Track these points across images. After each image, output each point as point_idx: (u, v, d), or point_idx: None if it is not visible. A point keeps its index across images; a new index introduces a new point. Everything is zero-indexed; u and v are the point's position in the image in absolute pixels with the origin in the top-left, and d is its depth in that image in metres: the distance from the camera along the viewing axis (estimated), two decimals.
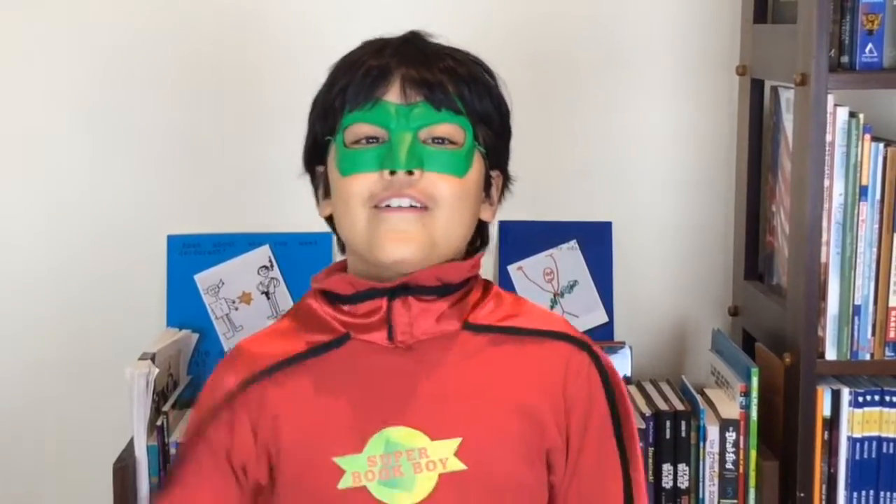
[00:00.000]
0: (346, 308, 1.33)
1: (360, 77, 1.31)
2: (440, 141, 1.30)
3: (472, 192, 1.32)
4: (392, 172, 1.27)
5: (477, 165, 1.33)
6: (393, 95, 1.30)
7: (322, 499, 1.29)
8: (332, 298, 1.34)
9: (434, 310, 1.31)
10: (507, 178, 1.41)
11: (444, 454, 1.29)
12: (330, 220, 1.38)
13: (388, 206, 1.28)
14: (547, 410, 1.33)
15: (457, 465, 1.29)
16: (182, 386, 1.96)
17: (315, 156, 1.38)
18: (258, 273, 2.10)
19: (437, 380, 1.31)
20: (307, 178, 1.42)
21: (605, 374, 1.37)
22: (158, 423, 1.80)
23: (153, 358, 1.83)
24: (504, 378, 1.33)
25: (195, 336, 2.06)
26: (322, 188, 1.38)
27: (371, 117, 1.29)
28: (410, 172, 1.27)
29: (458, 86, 1.31)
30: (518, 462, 1.32)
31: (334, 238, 1.42)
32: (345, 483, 1.28)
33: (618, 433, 1.37)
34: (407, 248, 1.28)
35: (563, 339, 1.36)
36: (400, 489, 1.28)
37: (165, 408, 1.83)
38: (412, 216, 1.28)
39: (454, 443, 1.29)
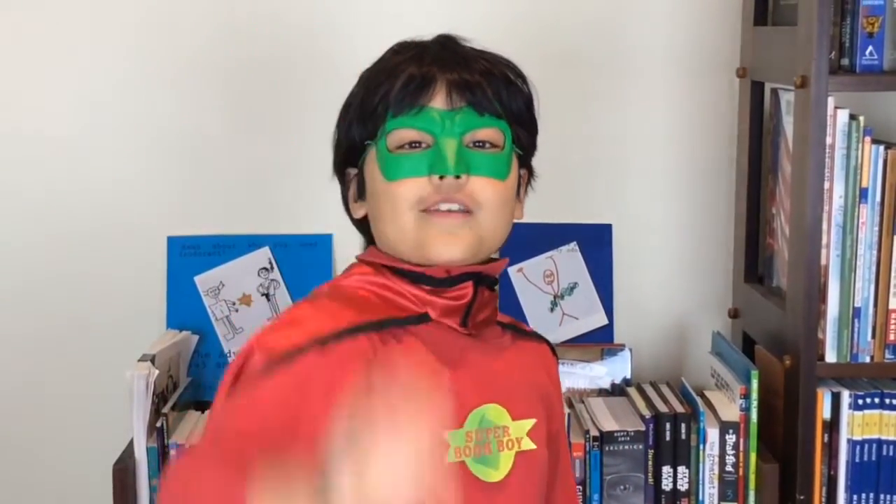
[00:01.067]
0: (428, 288, 1.32)
1: (402, 83, 1.32)
2: (481, 144, 1.33)
3: (511, 193, 1.36)
4: (441, 177, 1.29)
5: (514, 168, 1.36)
6: (438, 101, 1.31)
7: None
8: (412, 279, 1.32)
9: (492, 301, 1.37)
10: (531, 175, 1.44)
11: (520, 433, 1.34)
12: (359, 221, 1.40)
13: (437, 209, 1.30)
14: (552, 401, 1.43)
15: (529, 444, 1.34)
16: (182, 388, 1.96)
17: (348, 159, 1.39)
18: (258, 275, 2.10)
19: (504, 364, 1.37)
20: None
21: None
22: (158, 424, 1.80)
23: (153, 360, 1.83)
24: (530, 370, 1.41)
25: (195, 338, 2.06)
26: (355, 190, 1.39)
27: (416, 123, 1.31)
28: (458, 177, 1.29)
29: (496, 88, 1.34)
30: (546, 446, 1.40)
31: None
32: (449, 458, 1.29)
33: None
34: (457, 248, 1.30)
35: (541, 339, 1.47)
36: (488, 466, 1.31)
37: (165, 409, 1.83)
38: (460, 220, 1.31)
39: (529, 423, 1.34)
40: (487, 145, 1.33)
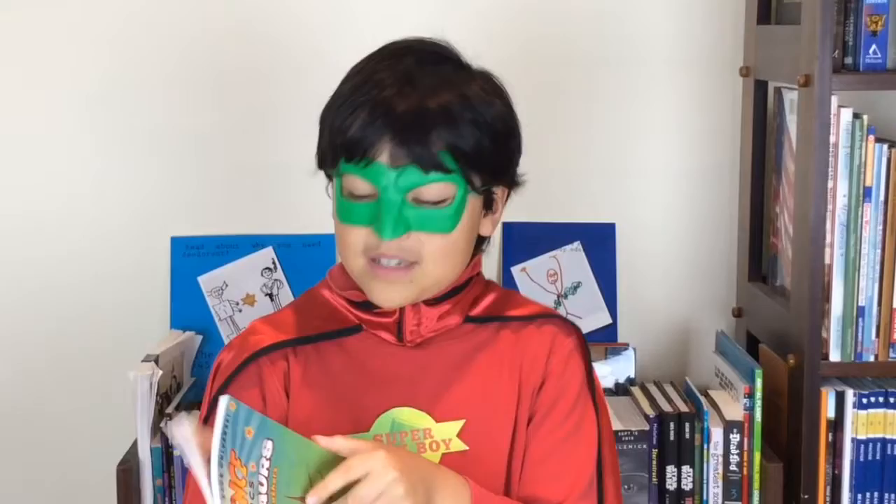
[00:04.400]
0: (359, 303, 1.39)
1: (354, 130, 1.31)
2: (429, 202, 1.32)
3: (461, 241, 1.35)
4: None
5: (469, 210, 1.34)
6: (384, 157, 1.30)
7: None
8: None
9: (439, 310, 1.38)
10: (511, 187, 1.42)
11: (447, 435, 1.35)
12: None
13: (379, 263, 1.33)
14: (531, 382, 1.40)
15: (459, 445, 1.35)
16: (185, 388, 1.96)
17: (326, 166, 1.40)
18: (262, 275, 2.10)
19: (442, 367, 1.38)
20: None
21: (588, 359, 1.43)
22: (162, 425, 1.80)
23: (157, 360, 1.83)
24: (503, 363, 1.40)
25: (199, 338, 2.06)
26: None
27: (364, 173, 1.31)
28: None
29: (447, 137, 1.30)
30: (514, 443, 1.38)
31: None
32: None
33: (597, 417, 1.42)
34: (398, 298, 1.35)
35: (552, 318, 1.43)
36: None
37: (169, 410, 1.83)
38: (401, 275, 1.33)
39: (457, 424, 1.35)
40: (434, 201, 1.32)
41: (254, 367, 1.36)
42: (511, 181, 1.41)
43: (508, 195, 1.42)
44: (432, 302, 1.37)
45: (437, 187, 1.31)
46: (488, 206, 1.38)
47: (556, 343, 1.41)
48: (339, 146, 1.33)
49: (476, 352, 1.39)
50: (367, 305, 1.38)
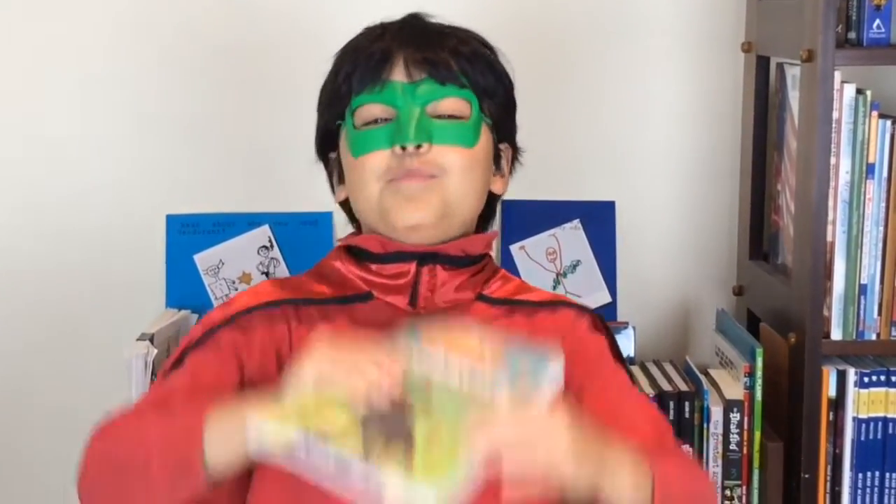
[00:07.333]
0: (373, 267, 1.36)
1: (363, 60, 1.34)
2: (447, 117, 1.33)
3: (481, 161, 1.35)
4: (402, 148, 1.30)
5: (485, 137, 1.36)
6: (398, 75, 1.32)
7: None
8: (360, 258, 1.37)
9: (455, 279, 1.36)
10: (515, 150, 1.44)
11: None
12: (344, 205, 1.42)
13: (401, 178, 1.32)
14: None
15: None
16: None
17: (327, 143, 1.41)
18: (258, 253, 2.09)
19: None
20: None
21: (608, 331, 1.43)
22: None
23: (152, 339, 1.82)
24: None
25: (194, 317, 2.05)
26: (336, 174, 1.42)
27: (379, 98, 1.32)
28: (419, 146, 1.30)
29: (459, 61, 1.34)
30: None
31: (337, 219, 1.44)
32: None
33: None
34: (421, 212, 1.31)
35: (567, 306, 1.43)
36: None
37: None
38: (424, 183, 1.31)
39: None
40: (453, 117, 1.33)
41: (244, 320, 1.33)
42: (514, 141, 1.42)
43: (512, 163, 1.43)
44: (449, 265, 1.34)
45: (454, 101, 1.33)
46: (496, 162, 1.40)
47: (575, 325, 1.40)
48: (348, 83, 1.33)
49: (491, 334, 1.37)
50: (382, 259, 1.34)
